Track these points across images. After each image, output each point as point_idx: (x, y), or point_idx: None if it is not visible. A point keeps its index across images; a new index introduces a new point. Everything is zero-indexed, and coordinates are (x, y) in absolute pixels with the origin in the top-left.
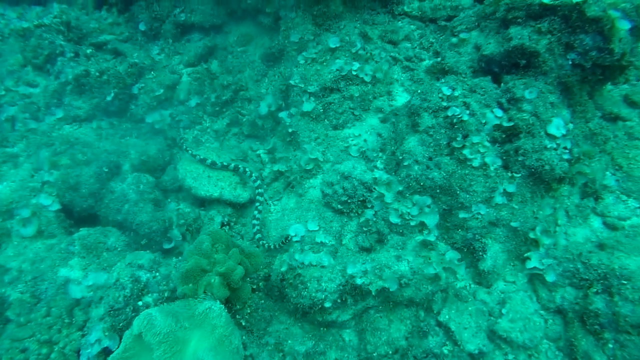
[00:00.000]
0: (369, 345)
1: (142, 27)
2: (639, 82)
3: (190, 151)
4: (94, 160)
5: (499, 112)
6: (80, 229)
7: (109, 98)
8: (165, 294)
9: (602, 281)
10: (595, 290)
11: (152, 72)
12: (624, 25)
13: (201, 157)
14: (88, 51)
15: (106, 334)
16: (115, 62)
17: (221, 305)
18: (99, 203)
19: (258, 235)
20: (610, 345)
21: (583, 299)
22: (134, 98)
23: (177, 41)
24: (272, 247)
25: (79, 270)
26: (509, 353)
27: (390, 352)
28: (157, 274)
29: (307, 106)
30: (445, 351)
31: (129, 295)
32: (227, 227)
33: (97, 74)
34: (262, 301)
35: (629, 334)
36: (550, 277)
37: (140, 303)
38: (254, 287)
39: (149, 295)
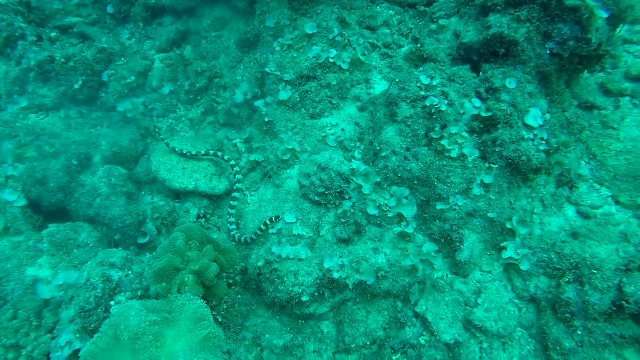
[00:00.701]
0: (347, 337)
1: (110, 9)
2: (614, 70)
3: (173, 147)
4: (62, 152)
5: (477, 102)
6: (49, 225)
7: (76, 86)
8: (139, 292)
9: (573, 270)
10: (567, 279)
11: (123, 58)
12: (601, 14)
13: (189, 151)
14: (52, 34)
15: (77, 335)
16: (82, 46)
17: (202, 300)
18: (68, 197)
19: (237, 235)
20: (579, 332)
21: (555, 287)
22: (104, 85)
23: (148, 25)
24: (253, 238)
25: (48, 269)
26: (484, 341)
27: (368, 343)
28: (130, 272)
29: (283, 94)
30: (422, 341)
31: (100, 296)
32: (204, 219)
33: (63, 60)
34: (239, 296)
35: (596, 320)
36: (524, 266)
37: (112, 303)
38: (230, 281)
39: (122, 294)
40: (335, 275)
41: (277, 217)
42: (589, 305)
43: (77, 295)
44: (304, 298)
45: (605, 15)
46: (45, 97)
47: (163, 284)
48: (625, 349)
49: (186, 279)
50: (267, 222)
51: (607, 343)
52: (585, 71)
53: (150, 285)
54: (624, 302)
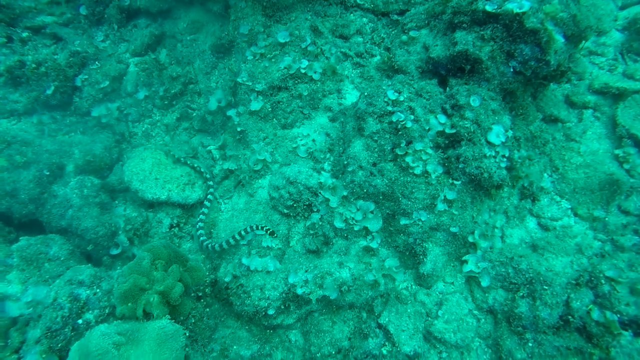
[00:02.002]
0: (313, 347)
1: (83, 10)
2: (580, 82)
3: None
4: (34, 162)
5: (442, 119)
6: (20, 238)
7: (49, 92)
8: (107, 310)
9: (528, 285)
10: (521, 294)
11: (97, 62)
12: (559, 39)
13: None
14: (24, 35)
15: (43, 356)
16: (55, 48)
17: (167, 320)
18: (40, 209)
19: (209, 243)
20: (530, 344)
21: (511, 301)
22: (78, 90)
23: (123, 27)
24: (224, 247)
25: (18, 284)
26: (443, 352)
27: (334, 352)
28: (98, 290)
29: (255, 105)
30: (385, 352)
31: (68, 315)
32: (177, 228)
33: (34, 65)
34: (208, 309)
35: (545, 334)
36: (484, 282)
37: (80, 321)
38: (200, 294)
39: (90, 312)
40: (299, 291)
41: (259, 227)
42: (540, 320)
43: (44, 315)
44: (270, 311)
45: (562, 40)
46: (17, 102)
47: (129, 304)
48: (569, 359)
49: (152, 299)
50: (242, 232)
51: (554, 354)
52: (552, 83)
53: (117, 305)
54: (570, 317)
